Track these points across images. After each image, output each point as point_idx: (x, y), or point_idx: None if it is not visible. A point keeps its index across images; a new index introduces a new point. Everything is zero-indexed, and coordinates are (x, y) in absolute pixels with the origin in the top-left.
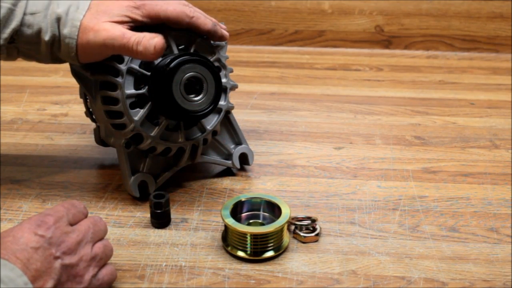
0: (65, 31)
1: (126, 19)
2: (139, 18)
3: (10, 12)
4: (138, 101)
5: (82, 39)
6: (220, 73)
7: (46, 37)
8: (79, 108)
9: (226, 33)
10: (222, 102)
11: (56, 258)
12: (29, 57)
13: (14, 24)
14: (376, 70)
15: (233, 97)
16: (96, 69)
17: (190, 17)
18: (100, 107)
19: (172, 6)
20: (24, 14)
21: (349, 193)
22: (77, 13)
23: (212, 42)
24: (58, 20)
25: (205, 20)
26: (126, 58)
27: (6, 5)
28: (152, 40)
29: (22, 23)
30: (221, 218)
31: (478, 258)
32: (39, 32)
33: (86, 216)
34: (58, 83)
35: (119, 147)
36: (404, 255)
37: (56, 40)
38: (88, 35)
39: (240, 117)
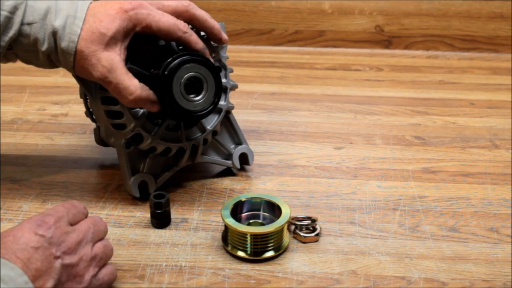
0: (63, 45)
1: (120, 37)
2: (131, 30)
3: (8, 20)
4: None
5: (78, 62)
6: (220, 73)
7: (43, 48)
8: (79, 108)
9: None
10: (222, 102)
11: (56, 257)
12: (28, 62)
13: (11, 33)
14: (376, 70)
15: (233, 97)
16: None
17: (183, 31)
18: (100, 107)
19: (165, 17)
20: (22, 24)
21: (349, 193)
22: (74, 25)
23: (212, 42)
24: (55, 34)
25: (197, 40)
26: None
27: (4, 13)
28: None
29: (19, 33)
30: (221, 218)
31: (478, 258)
32: (35, 42)
33: (86, 216)
34: (58, 83)
35: (119, 147)
36: (404, 255)
37: (53, 51)
38: (84, 63)
39: (240, 117)
